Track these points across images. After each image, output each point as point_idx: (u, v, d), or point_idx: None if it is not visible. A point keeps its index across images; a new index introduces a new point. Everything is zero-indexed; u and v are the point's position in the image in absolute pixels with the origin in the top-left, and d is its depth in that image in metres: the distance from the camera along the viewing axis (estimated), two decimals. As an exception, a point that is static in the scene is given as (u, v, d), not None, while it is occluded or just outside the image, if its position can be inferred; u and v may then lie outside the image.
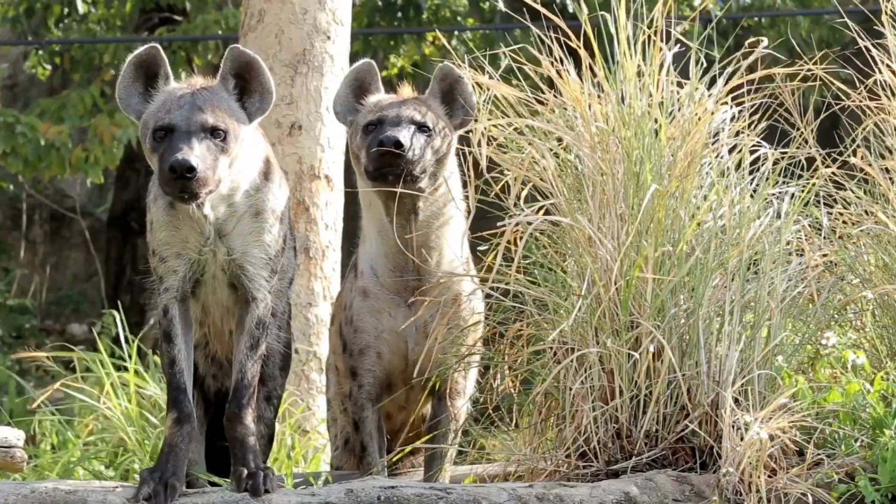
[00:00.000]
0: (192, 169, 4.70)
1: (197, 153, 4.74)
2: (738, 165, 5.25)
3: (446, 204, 5.42)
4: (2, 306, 16.08)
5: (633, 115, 5.19)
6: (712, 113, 5.23)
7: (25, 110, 14.10)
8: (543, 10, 5.32)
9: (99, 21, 14.08)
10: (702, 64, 5.26)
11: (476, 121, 5.35)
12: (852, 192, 5.46)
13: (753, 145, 5.27)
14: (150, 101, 4.92)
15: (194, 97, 4.86)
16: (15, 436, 5.23)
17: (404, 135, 5.29)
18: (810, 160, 5.42)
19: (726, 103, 5.27)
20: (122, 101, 4.96)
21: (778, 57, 5.42)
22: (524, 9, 5.46)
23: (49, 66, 14.12)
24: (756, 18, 12.99)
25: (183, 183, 4.72)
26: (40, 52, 14.06)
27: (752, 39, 5.29)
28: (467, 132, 5.44)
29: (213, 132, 4.82)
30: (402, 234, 5.36)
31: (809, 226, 5.42)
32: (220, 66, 4.98)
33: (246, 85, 4.97)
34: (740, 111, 5.28)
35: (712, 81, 5.28)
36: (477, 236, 5.39)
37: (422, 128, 5.37)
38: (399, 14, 13.43)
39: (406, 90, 5.55)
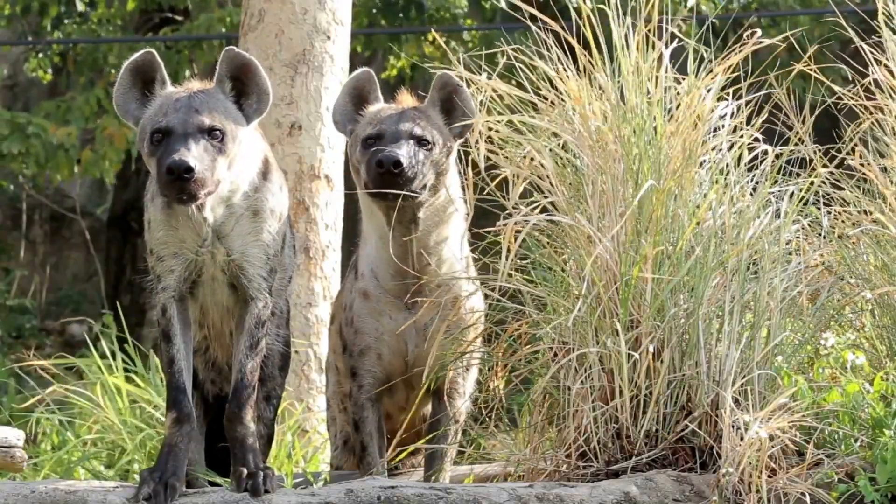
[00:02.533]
0: (189, 169, 4.70)
1: (194, 154, 4.73)
2: (738, 163, 5.26)
3: (446, 208, 5.42)
4: (2, 306, 16.08)
5: (631, 112, 5.19)
6: (712, 110, 5.23)
7: (26, 112, 14.12)
8: (535, 12, 5.31)
9: (99, 21, 14.09)
10: (700, 59, 5.27)
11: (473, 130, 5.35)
12: (848, 193, 5.46)
13: (752, 142, 5.28)
14: (148, 106, 4.92)
15: (191, 100, 4.86)
16: (15, 436, 5.23)
17: (404, 152, 5.27)
18: (810, 160, 5.42)
19: (724, 99, 5.27)
20: (120, 108, 4.96)
21: (778, 56, 5.42)
22: (524, 8, 5.46)
23: (50, 71, 14.13)
24: (756, 18, 12.99)
25: (181, 184, 4.71)
26: (40, 56, 14.06)
27: (748, 31, 5.29)
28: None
29: (211, 133, 4.82)
30: (402, 240, 5.36)
31: (808, 225, 5.42)
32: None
33: (243, 87, 4.96)
34: (738, 106, 5.28)
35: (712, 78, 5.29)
36: (476, 234, 5.39)
37: (421, 142, 5.36)
38: (400, 14, 13.43)
39: (406, 98, 5.54)
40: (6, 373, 11.07)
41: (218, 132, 4.82)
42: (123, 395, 6.94)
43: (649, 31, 5.22)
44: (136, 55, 4.94)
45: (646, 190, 5.05)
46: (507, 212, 5.24)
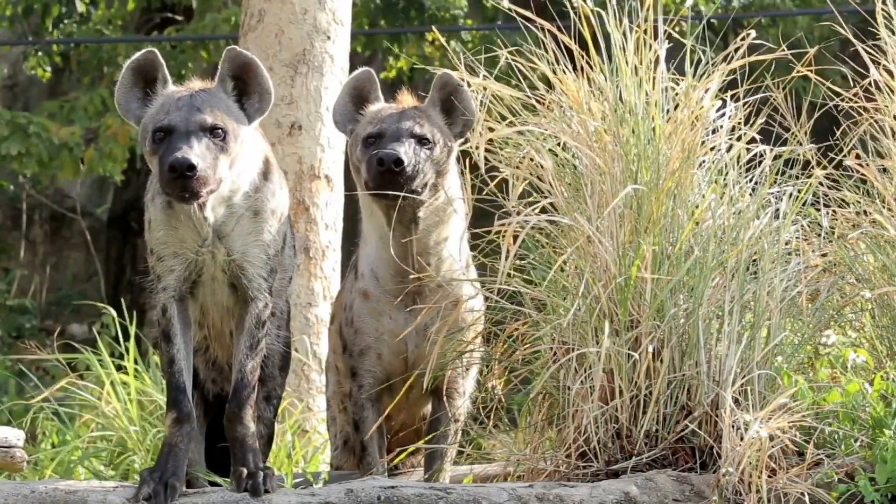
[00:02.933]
0: (192, 167, 4.70)
1: (197, 152, 4.73)
2: (737, 163, 5.26)
3: (446, 208, 5.42)
4: (2, 306, 16.07)
5: (629, 112, 5.19)
6: (709, 109, 5.23)
7: (26, 111, 14.12)
8: (528, 14, 5.31)
9: (100, 21, 14.09)
10: (698, 60, 5.27)
11: (474, 129, 5.36)
12: (848, 193, 5.46)
13: (750, 143, 5.28)
14: (149, 105, 4.92)
15: (192, 99, 4.86)
16: (15, 436, 5.23)
17: (404, 150, 5.27)
18: (807, 161, 5.42)
19: (723, 99, 5.27)
20: (122, 107, 4.96)
21: (776, 57, 5.43)
22: (517, 12, 5.46)
23: (49, 69, 14.13)
24: (756, 18, 13.00)
25: (183, 182, 4.71)
26: (40, 54, 14.08)
27: (743, 33, 5.30)
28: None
29: (213, 132, 4.82)
30: (402, 241, 5.36)
31: (808, 226, 5.43)
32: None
33: (244, 86, 4.96)
34: (736, 107, 5.28)
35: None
36: (476, 234, 5.39)
37: (422, 141, 5.36)
38: (401, 14, 13.43)
39: (406, 98, 5.54)
40: (7, 371, 11.08)
41: (220, 131, 4.83)
42: (132, 390, 6.95)
43: (646, 31, 5.22)
44: (137, 54, 4.95)
45: (627, 193, 5.05)
46: (503, 210, 5.24)
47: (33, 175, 14.12)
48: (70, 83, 14.84)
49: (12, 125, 12.93)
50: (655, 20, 5.24)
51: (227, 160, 4.83)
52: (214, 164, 4.77)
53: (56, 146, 12.90)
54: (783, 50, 5.30)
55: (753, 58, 5.24)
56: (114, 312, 7.63)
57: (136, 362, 7.18)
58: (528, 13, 5.34)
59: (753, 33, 5.25)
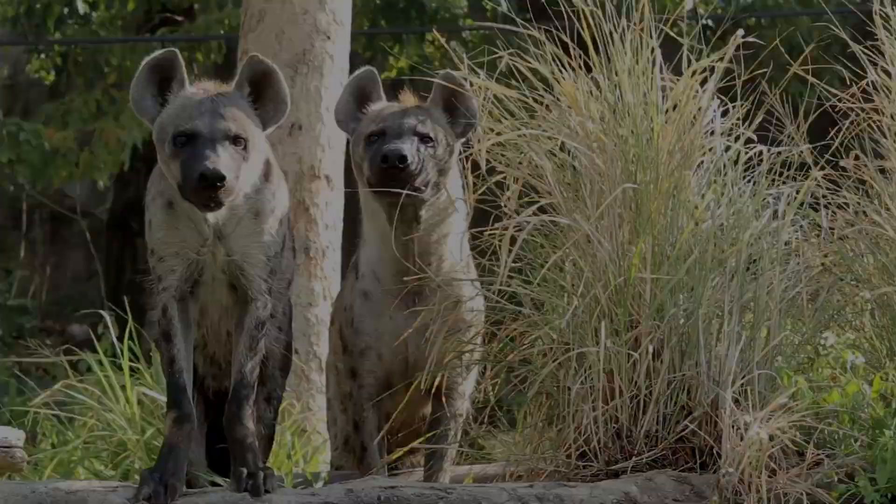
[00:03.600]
0: (222, 178, 4.69)
1: (224, 162, 4.72)
2: (735, 163, 5.26)
3: (447, 208, 5.43)
4: (2, 306, 16.07)
5: (627, 112, 5.20)
6: (707, 107, 5.23)
7: (26, 113, 14.12)
8: (523, 16, 5.32)
9: (102, 23, 14.09)
10: (696, 59, 5.27)
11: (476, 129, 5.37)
12: (846, 195, 5.46)
13: (748, 142, 5.28)
14: (165, 104, 4.90)
15: (214, 103, 4.83)
16: (15, 436, 5.23)
17: (407, 148, 5.27)
18: (804, 163, 5.43)
19: (720, 98, 5.28)
20: (136, 104, 4.93)
21: (775, 57, 5.43)
22: (528, 7, 5.47)
23: (53, 72, 14.14)
24: (756, 18, 13.00)
25: (211, 192, 4.70)
26: (42, 56, 14.08)
27: (743, 31, 5.30)
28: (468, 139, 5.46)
29: (236, 140, 4.81)
30: (403, 240, 5.36)
31: (807, 226, 5.43)
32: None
33: (261, 93, 4.96)
34: (735, 107, 5.29)
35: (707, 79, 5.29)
36: (475, 234, 5.39)
37: (425, 139, 5.36)
38: (401, 14, 13.44)
39: (408, 98, 5.54)
40: (7, 372, 11.09)
41: (242, 140, 4.82)
42: (130, 390, 6.94)
43: (642, 30, 5.22)
44: (158, 52, 4.91)
45: (624, 193, 5.06)
46: (500, 210, 5.25)
47: (27, 180, 14.13)
48: (68, 85, 14.84)
49: (2, 133, 12.92)
50: (655, 18, 5.24)
51: (247, 169, 4.83)
52: (238, 173, 4.77)
53: (49, 152, 12.90)
54: (788, 39, 5.30)
55: (748, 51, 5.24)
56: (117, 312, 7.62)
57: (136, 359, 7.18)
58: (517, 21, 5.34)
59: (742, 32, 5.26)
